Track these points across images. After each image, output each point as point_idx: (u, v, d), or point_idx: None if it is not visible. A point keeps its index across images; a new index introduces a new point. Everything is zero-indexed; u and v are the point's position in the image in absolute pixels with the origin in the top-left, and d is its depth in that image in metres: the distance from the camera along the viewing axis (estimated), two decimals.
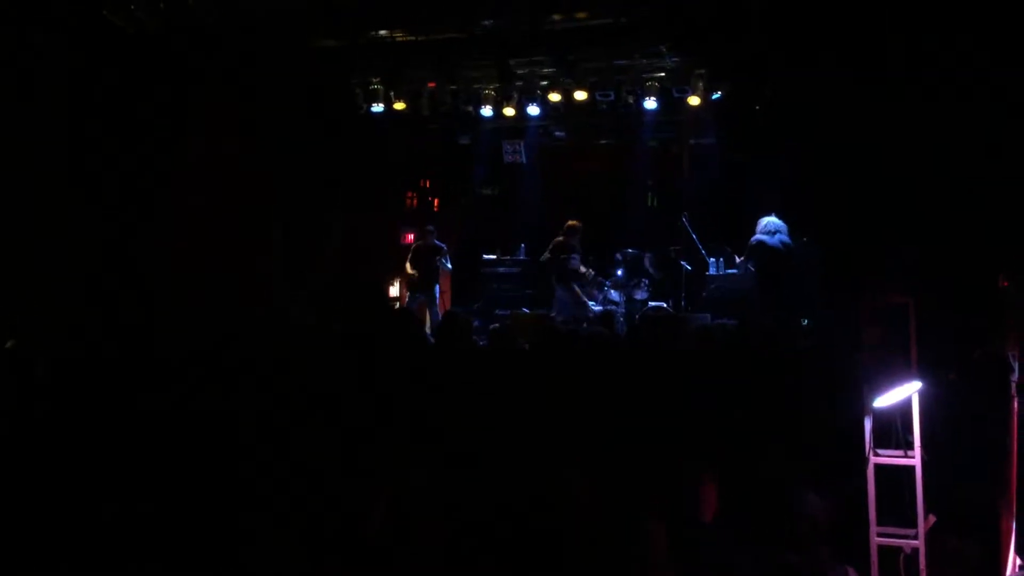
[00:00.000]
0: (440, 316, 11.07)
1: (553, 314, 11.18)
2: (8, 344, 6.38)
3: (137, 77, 10.67)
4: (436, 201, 15.25)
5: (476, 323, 9.91)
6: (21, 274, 9.35)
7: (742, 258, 10.53)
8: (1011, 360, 4.90)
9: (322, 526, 4.04)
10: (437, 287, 12.00)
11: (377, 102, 12.53)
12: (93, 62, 10.23)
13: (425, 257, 11.87)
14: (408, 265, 11.97)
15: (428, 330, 10.35)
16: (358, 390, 5.77)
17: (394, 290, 12.21)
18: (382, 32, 11.16)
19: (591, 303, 11.58)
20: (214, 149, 12.11)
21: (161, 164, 11.07)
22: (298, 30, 10.60)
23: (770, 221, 10.16)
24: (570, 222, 11.53)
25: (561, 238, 11.49)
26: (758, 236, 10.09)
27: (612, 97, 11.75)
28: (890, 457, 4.92)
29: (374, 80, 12.48)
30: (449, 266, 12.10)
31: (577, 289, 11.42)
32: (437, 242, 11.97)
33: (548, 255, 11.52)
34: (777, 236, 10.07)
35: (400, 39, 11.30)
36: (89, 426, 5.23)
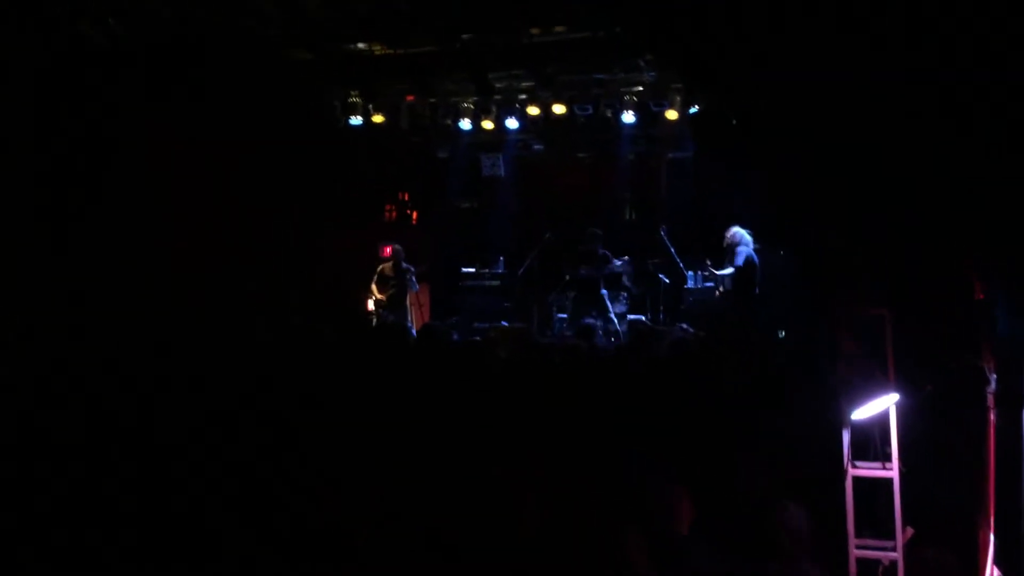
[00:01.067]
0: (415, 332, 11.00)
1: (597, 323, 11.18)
2: None
3: (109, 90, 10.60)
4: (415, 214, 15.21)
5: (454, 336, 9.86)
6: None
7: (727, 269, 10.45)
8: (987, 371, 4.92)
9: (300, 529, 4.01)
10: (407, 305, 11.88)
11: (355, 115, 12.53)
12: (66, 74, 10.18)
13: (392, 280, 11.74)
14: (375, 288, 11.81)
15: None
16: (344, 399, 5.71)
17: (370, 303, 12.09)
18: (360, 45, 11.14)
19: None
20: (189, 163, 12.04)
21: (135, 175, 11.00)
22: (275, 43, 10.55)
23: (749, 236, 10.20)
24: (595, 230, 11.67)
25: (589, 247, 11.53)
26: (749, 250, 10.11)
27: (590, 111, 11.79)
28: (868, 469, 4.92)
29: (352, 93, 12.47)
30: (415, 288, 11.96)
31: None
32: (404, 263, 11.83)
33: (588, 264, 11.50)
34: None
35: (378, 52, 11.28)
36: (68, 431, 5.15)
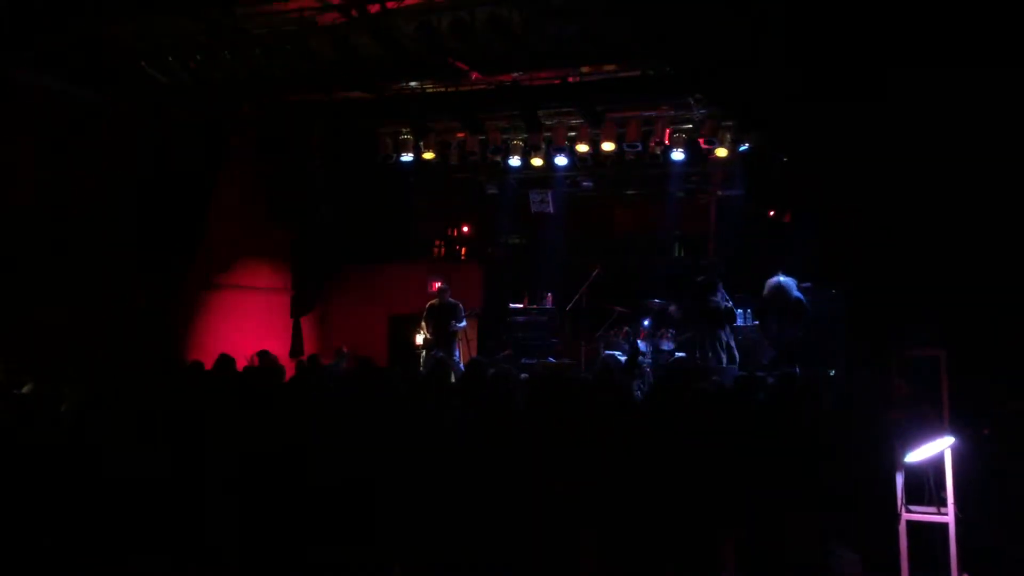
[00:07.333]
0: (463, 367, 11.03)
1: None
2: (25, 388, 6.48)
3: (172, 126, 10.95)
4: (464, 250, 15.31)
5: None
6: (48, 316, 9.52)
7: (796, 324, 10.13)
8: None
9: None
10: (455, 342, 11.92)
11: (406, 152, 12.68)
12: (132, 111, 10.57)
13: (440, 316, 11.81)
14: (424, 324, 11.89)
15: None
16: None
17: (419, 338, 12.17)
18: (412, 83, 11.30)
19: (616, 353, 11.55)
20: (243, 197, 12.34)
21: (193, 207, 11.29)
22: (328, 82, 10.75)
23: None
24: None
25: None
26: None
27: (640, 148, 11.80)
28: (923, 514, 4.83)
29: (403, 130, 12.64)
30: (462, 325, 11.96)
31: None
32: (451, 299, 11.86)
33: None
34: None
35: (430, 90, 11.44)
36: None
